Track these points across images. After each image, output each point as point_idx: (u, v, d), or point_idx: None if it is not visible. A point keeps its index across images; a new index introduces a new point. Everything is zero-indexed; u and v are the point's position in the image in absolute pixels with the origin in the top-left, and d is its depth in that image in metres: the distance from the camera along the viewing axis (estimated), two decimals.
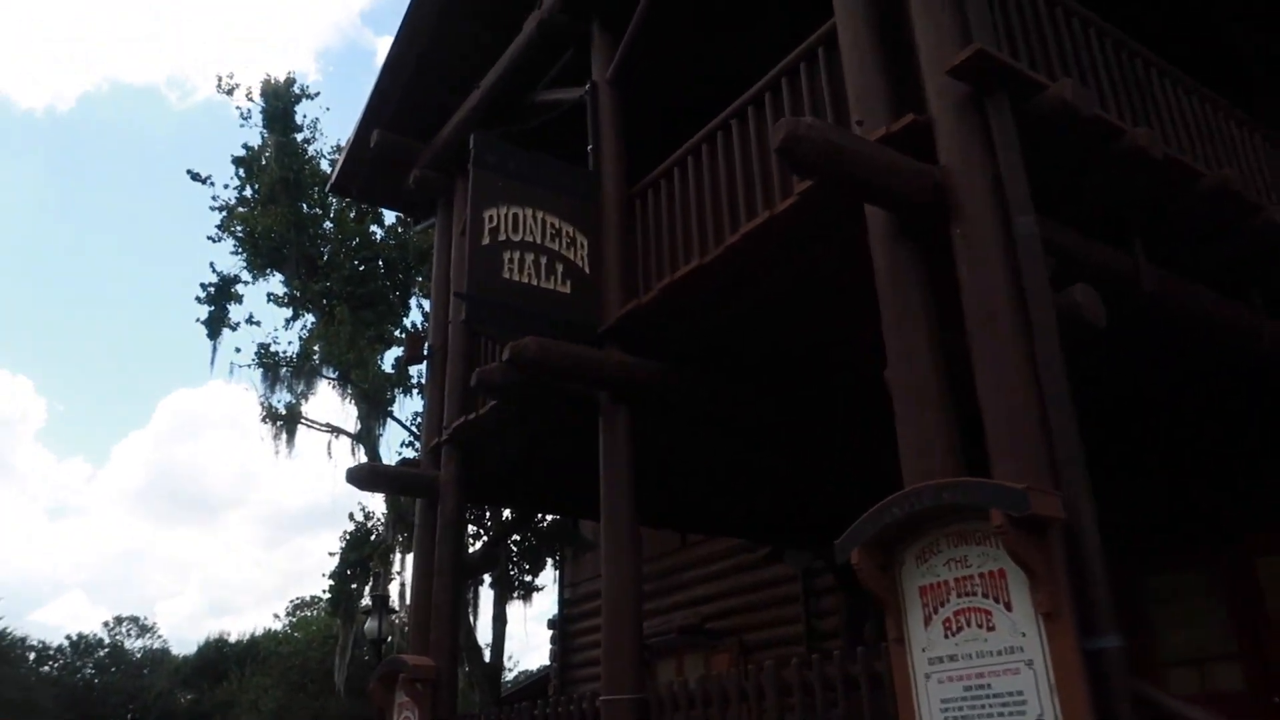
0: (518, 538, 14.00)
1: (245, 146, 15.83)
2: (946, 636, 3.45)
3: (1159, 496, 7.02)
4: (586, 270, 6.36)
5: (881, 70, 4.44)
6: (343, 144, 10.48)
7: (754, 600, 11.42)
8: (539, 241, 6.25)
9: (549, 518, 14.04)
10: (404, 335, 14.01)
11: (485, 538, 13.28)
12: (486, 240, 6.08)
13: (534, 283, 6.11)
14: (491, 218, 6.15)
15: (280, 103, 15.37)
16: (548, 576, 14.99)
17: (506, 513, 13.76)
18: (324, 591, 15.09)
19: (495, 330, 5.95)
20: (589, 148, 6.79)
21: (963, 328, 3.78)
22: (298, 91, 15.76)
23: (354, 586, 14.81)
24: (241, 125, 18.22)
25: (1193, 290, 4.97)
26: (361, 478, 7.83)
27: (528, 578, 14.23)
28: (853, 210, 4.48)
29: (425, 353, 8.80)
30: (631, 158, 6.73)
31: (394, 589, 14.33)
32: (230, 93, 15.93)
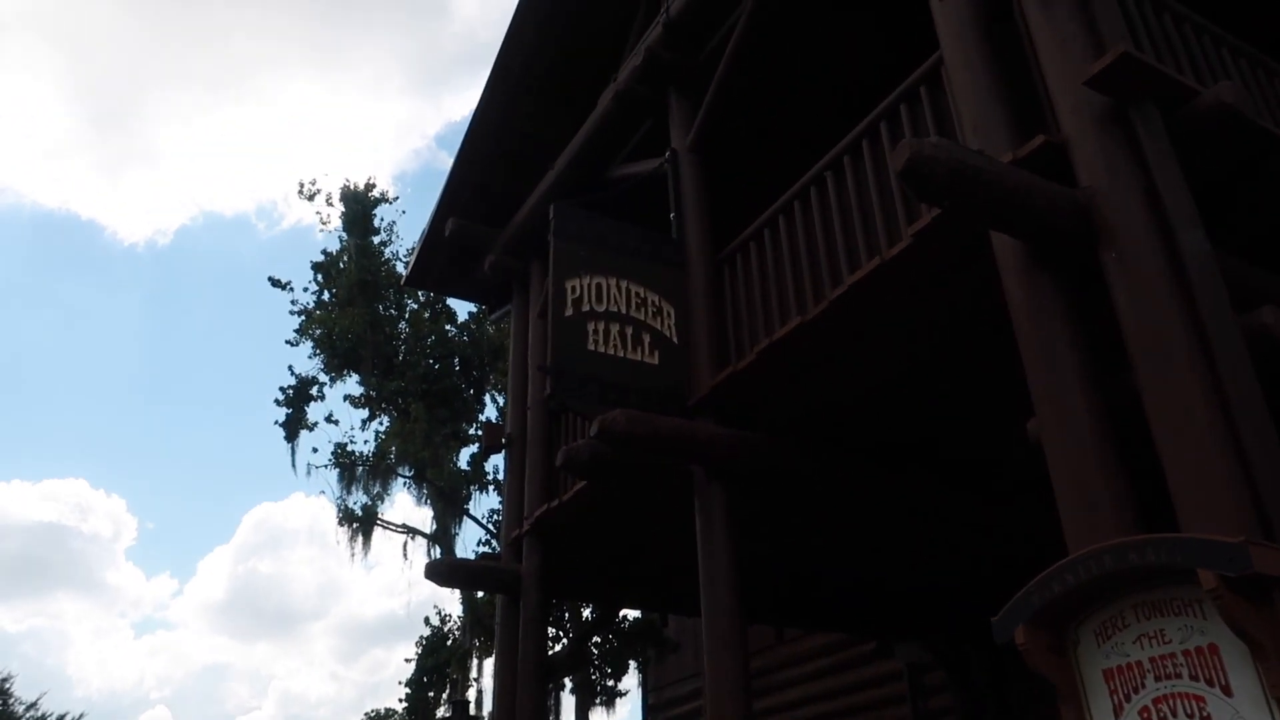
0: (599, 639, 13.35)
1: (324, 253, 16.11)
2: None
3: None
4: (675, 340, 6.03)
5: (998, 96, 4.08)
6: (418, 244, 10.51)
7: (856, 702, 10.58)
8: (624, 311, 5.97)
9: (630, 617, 13.41)
10: (479, 430, 13.78)
11: (566, 639, 12.67)
12: (570, 311, 5.81)
13: (620, 354, 5.80)
14: (574, 288, 5.88)
15: (359, 206, 15.66)
16: (629, 681, 14.26)
17: (587, 613, 13.17)
18: (400, 700, 14.50)
19: (580, 404, 5.62)
20: (671, 216, 6.54)
21: (1122, 367, 3.30)
22: (376, 195, 16.07)
23: (431, 695, 14.24)
24: (321, 230, 18.63)
25: None
26: (441, 573, 7.46)
27: (610, 682, 13.50)
28: (974, 250, 4.11)
29: (504, 441, 8.50)
30: (716, 225, 6.49)
31: (472, 695, 13.73)
32: (311, 198, 16.30)
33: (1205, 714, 2.72)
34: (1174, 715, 2.79)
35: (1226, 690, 2.69)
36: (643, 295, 6.04)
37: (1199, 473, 2.95)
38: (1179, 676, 2.80)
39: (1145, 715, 2.86)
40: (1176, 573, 2.78)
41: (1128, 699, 2.92)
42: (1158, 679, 2.85)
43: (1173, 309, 3.16)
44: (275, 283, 15.94)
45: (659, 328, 6.00)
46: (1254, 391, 2.97)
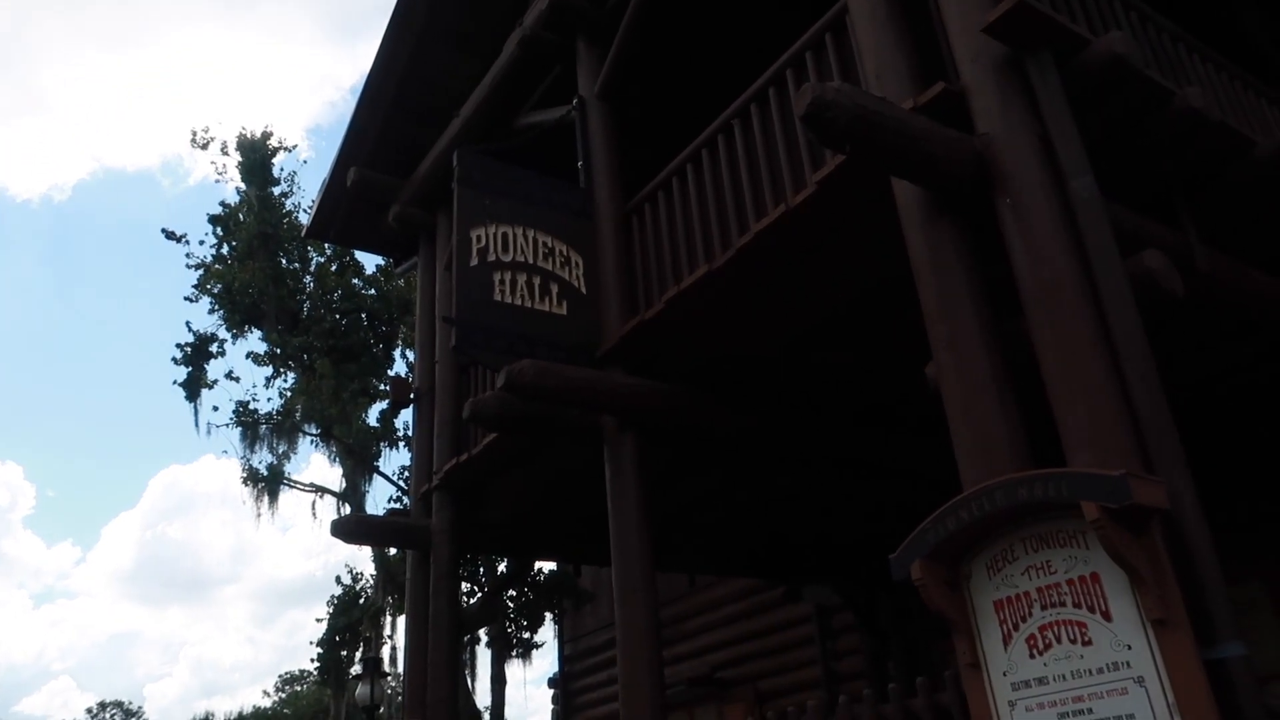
0: (514, 593, 13.38)
1: (222, 204, 15.47)
2: (1032, 657, 2.97)
3: (1211, 499, 6.59)
4: (583, 290, 5.97)
5: (901, 45, 4.10)
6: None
7: (767, 645, 10.84)
8: (531, 261, 5.87)
9: (545, 571, 13.46)
10: (388, 385, 13.53)
11: (481, 593, 12.66)
12: (475, 261, 5.68)
13: (528, 304, 5.72)
14: (480, 238, 5.75)
15: (256, 155, 15.06)
16: (546, 633, 14.35)
17: (501, 567, 13.17)
18: (312, 661, 14.34)
19: (488, 356, 5.53)
20: (579, 164, 6.45)
21: (1018, 312, 3.39)
22: (275, 144, 15.46)
23: (344, 654, 14.11)
24: (217, 180, 17.90)
25: (1245, 271, 4.60)
26: (348, 530, 7.32)
27: (526, 635, 13.58)
28: (879, 199, 4.14)
29: (412, 396, 8.35)
30: (625, 175, 6.42)
31: (386, 654, 13.65)
32: (205, 147, 15.61)
33: (1086, 638, 2.85)
34: (1058, 641, 2.92)
35: (1106, 615, 2.82)
36: (550, 245, 5.95)
37: (1085, 411, 3.06)
38: (1063, 605, 2.93)
39: (1032, 642, 2.98)
40: (1062, 506, 2.89)
41: (1016, 627, 3.04)
42: (1044, 608, 2.97)
43: (1062, 253, 3.25)
44: (170, 235, 15.29)
45: (567, 278, 5.92)
46: (1138, 332, 3.08)
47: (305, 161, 47.79)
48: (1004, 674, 3.04)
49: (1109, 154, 3.95)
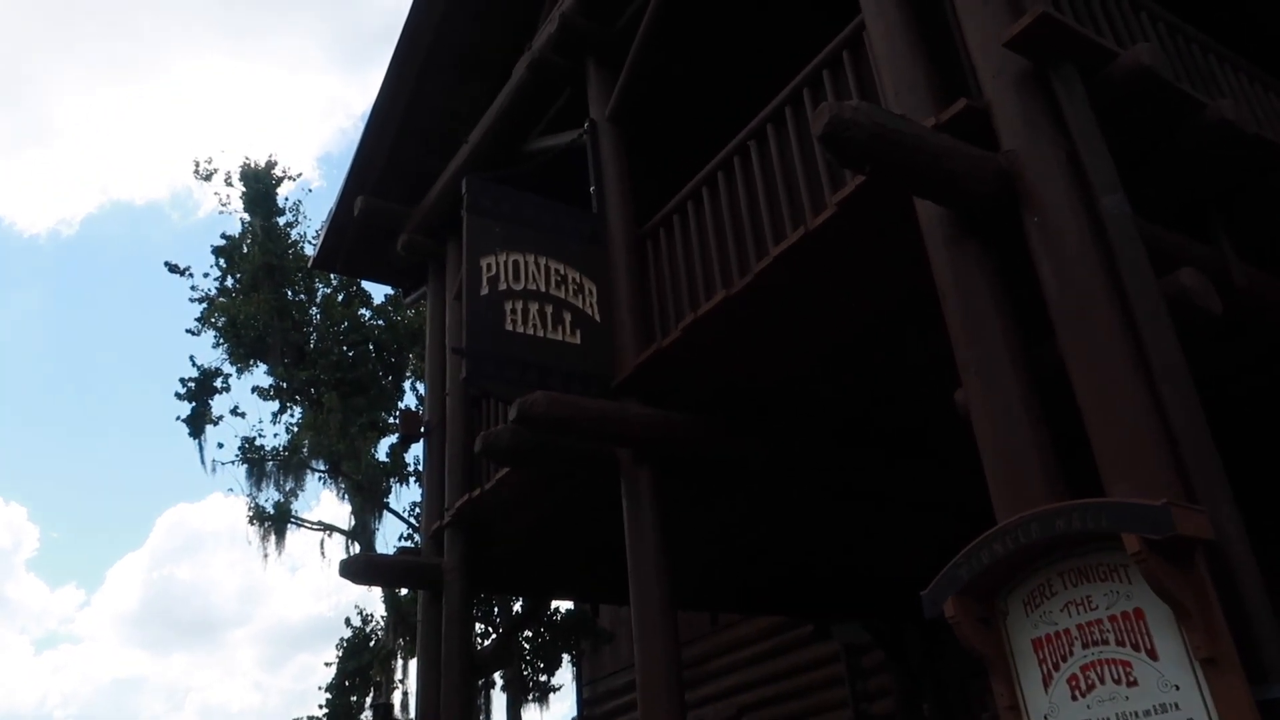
0: (529, 634, 13.29)
1: (224, 236, 15.62)
2: (1075, 699, 2.91)
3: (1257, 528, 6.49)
4: (597, 318, 5.99)
5: (920, 61, 4.12)
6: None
7: (794, 686, 10.74)
8: (543, 289, 5.90)
9: (562, 610, 13.38)
10: (397, 419, 13.55)
11: (495, 634, 12.59)
12: (485, 290, 5.72)
13: (540, 334, 5.74)
14: (490, 266, 5.79)
15: (260, 185, 15.21)
16: (564, 675, 14.24)
17: (517, 607, 13.10)
18: (320, 707, 14.24)
19: (499, 387, 5.55)
20: (591, 189, 6.49)
21: (1048, 334, 3.37)
22: (279, 174, 15.62)
23: (354, 699, 14.02)
24: (221, 211, 18.09)
25: None
26: (356, 570, 7.32)
27: (543, 677, 13.46)
28: (901, 220, 4.14)
29: (422, 430, 8.38)
30: (639, 199, 6.46)
31: (398, 699, 13.56)
32: (208, 178, 15.77)
33: (1131, 678, 2.80)
34: (1101, 681, 2.86)
35: (1152, 654, 2.77)
36: (563, 272, 5.98)
37: (1123, 437, 3.03)
38: (1106, 642, 2.88)
39: (1074, 683, 2.93)
40: (1102, 538, 2.85)
41: (1056, 667, 2.99)
42: (1085, 646, 2.92)
43: (1094, 273, 3.23)
44: (173, 268, 15.42)
45: (580, 306, 5.95)
46: (1175, 354, 3.05)
47: (311, 190, 48.21)
48: (1045, 717, 2.98)
49: (1139, 169, 3.95)
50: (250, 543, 14.48)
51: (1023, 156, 3.51)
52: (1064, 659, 2.96)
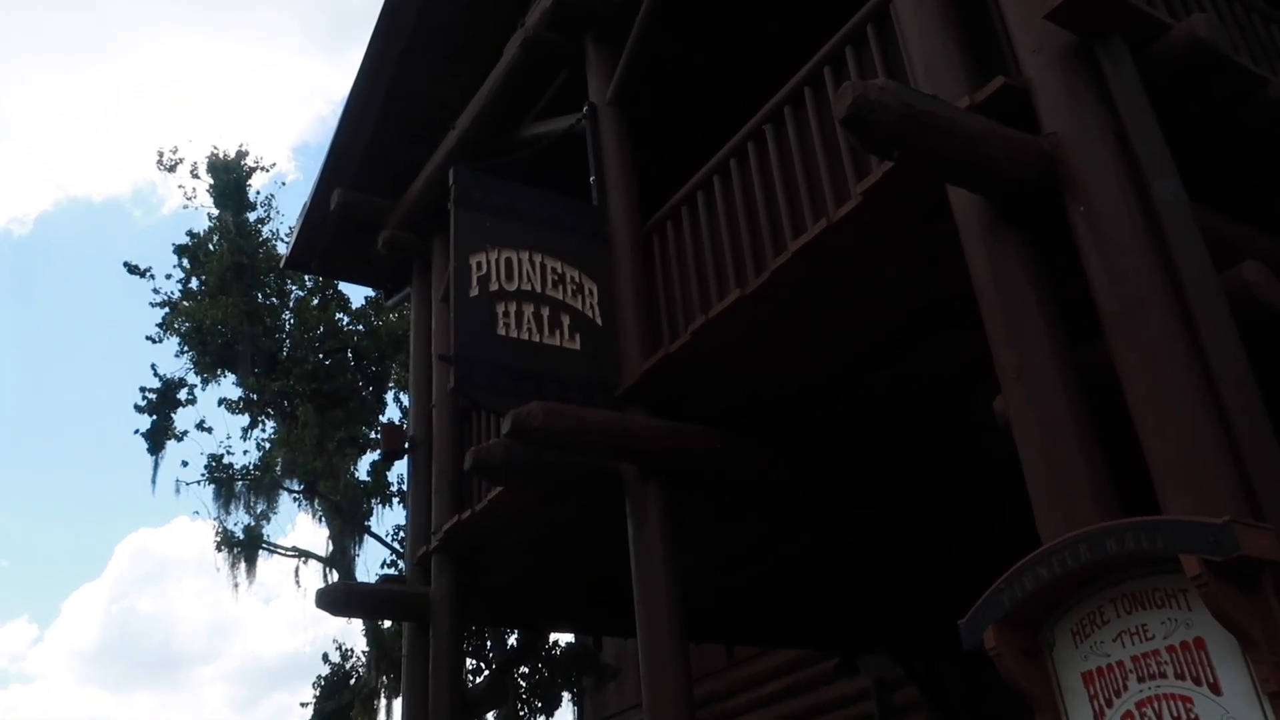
0: (526, 670, 13.29)
1: (190, 234, 15.71)
2: None
3: None
4: (598, 321, 6.01)
5: (953, 36, 4.12)
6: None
7: None
8: (539, 290, 5.91)
9: (563, 643, 13.38)
10: (379, 433, 13.59)
11: (488, 670, 12.58)
12: (475, 291, 5.73)
13: (535, 339, 5.76)
14: (480, 264, 5.80)
15: (230, 177, 15.29)
16: (564, 715, 14.24)
17: (512, 640, 13.10)
18: None
19: (491, 398, 5.55)
20: (592, 180, 6.50)
21: (1096, 334, 3.37)
22: (250, 165, 15.70)
23: None
24: (186, 206, 18.18)
25: None
26: (335, 600, 7.33)
27: (541, 718, 13.46)
28: (933, 210, 4.15)
29: (406, 445, 8.38)
30: (644, 190, 6.48)
31: None
32: (173, 169, 15.87)
33: (1193, 715, 2.78)
34: (1159, 718, 2.85)
35: (1215, 688, 2.76)
36: (560, 271, 5.99)
37: (1180, 447, 3.02)
38: (1164, 676, 2.86)
39: None
40: (1158, 560, 2.83)
41: (1109, 704, 2.97)
42: (1141, 679, 2.91)
43: (1147, 266, 3.23)
44: (133, 269, 15.52)
45: (580, 308, 5.95)
46: (1238, 355, 3.04)
47: (285, 184, 48.23)
48: None
49: (1196, 152, 3.94)
50: (218, 571, 14.54)
51: (1066, 139, 3.51)
52: (1118, 694, 2.95)
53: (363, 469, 14.61)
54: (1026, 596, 3.09)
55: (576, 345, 5.88)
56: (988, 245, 3.67)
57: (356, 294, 16.12)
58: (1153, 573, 2.90)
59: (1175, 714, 2.81)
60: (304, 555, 15.07)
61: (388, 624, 12.94)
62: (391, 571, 13.83)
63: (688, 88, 7.44)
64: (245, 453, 15.51)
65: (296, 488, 14.35)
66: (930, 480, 6.38)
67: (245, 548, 14.28)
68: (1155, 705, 2.86)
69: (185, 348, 14.58)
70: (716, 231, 5.59)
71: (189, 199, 15.96)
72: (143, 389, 14.61)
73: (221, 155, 15.75)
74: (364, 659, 14.05)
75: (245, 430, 14.94)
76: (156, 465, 14.46)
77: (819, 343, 5.21)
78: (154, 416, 14.41)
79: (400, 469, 14.09)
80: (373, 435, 14.47)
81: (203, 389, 14.87)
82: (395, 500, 14.51)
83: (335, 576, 14.32)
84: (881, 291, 4.80)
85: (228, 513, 14.36)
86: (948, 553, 7.46)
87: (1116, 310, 3.26)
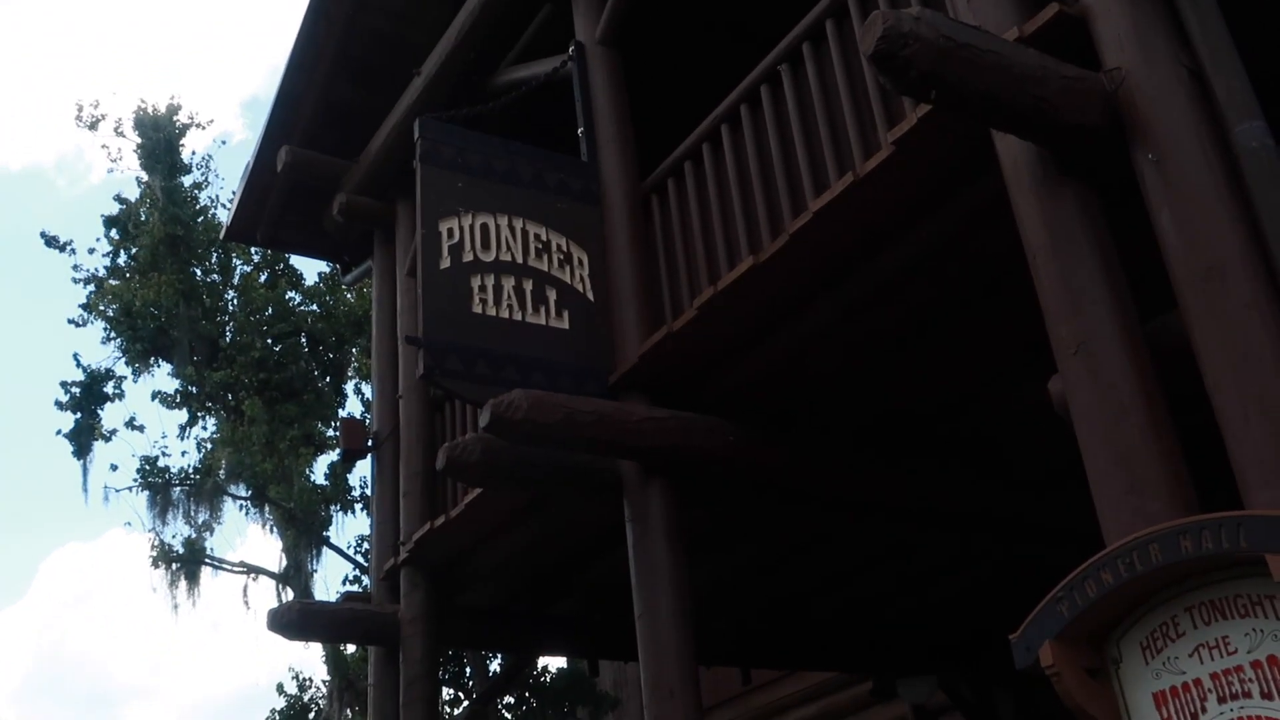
0: (511, 700, 13.36)
1: (119, 199, 15.69)
2: None
3: None
4: (590, 296, 6.03)
5: None
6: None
7: None
8: (520, 260, 5.92)
9: (553, 669, 13.45)
10: (337, 430, 13.63)
11: (468, 702, 12.64)
12: (446, 263, 5.73)
13: (517, 316, 5.77)
14: (451, 231, 5.80)
15: (160, 135, 15.26)
16: None
17: (495, 666, 13.16)
18: None
19: (466, 386, 5.55)
20: (580, 131, 6.49)
21: (1168, 303, 3.36)
22: (184, 120, 15.67)
23: None
24: (111, 170, 18.19)
25: None
26: (289, 622, 7.35)
27: None
28: (976, 160, 4.14)
29: (369, 443, 8.40)
30: (641, 144, 6.48)
31: None
32: (94, 126, 15.84)
33: None
34: None
35: None
36: (545, 238, 6.00)
37: (1266, 432, 3.01)
38: (1248, 695, 2.87)
39: None
40: (1242, 562, 2.84)
41: None
42: (1221, 700, 2.92)
43: (1227, 223, 3.21)
44: (51, 242, 15.50)
45: (568, 280, 5.97)
46: None
47: (229, 145, 48.11)
48: None
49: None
50: (155, 591, 14.58)
51: (1132, 76, 3.50)
52: (1195, 717, 2.96)
53: (320, 471, 14.64)
54: (1089, 607, 3.10)
55: (564, 324, 5.88)
56: (1041, 201, 3.67)
57: (310, 269, 16.13)
58: (1235, 577, 2.90)
59: None
60: (253, 571, 15.11)
61: (351, 649, 12.99)
62: (355, 589, 13.87)
63: (690, 23, 7.42)
64: (184, 454, 15.52)
65: (243, 494, 14.37)
66: (975, 477, 6.41)
67: (185, 563, 14.32)
68: None
69: (113, 333, 14.58)
70: (725, 190, 5.59)
71: (113, 161, 15.96)
72: (64, 383, 14.62)
73: (150, 110, 15.72)
74: (324, 689, 14.11)
75: (183, 428, 14.96)
76: (85, 470, 14.50)
77: (843, 319, 5.20)
78: (78, 414, 14.43)
79: (363, 470, 14.15)
80: (331, 432, 14.49)
81: (134, 380, 14.89)
82: (358, 507, 14.54)
83: (290, 595, 14.36)
84: (916, 258, 4.80)
85: (164, 523, 14.41)
86: (997, 559, 7.48)
87: (1192, 275, 3.25)
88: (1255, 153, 3.24)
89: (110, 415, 14.87)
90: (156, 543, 14.50)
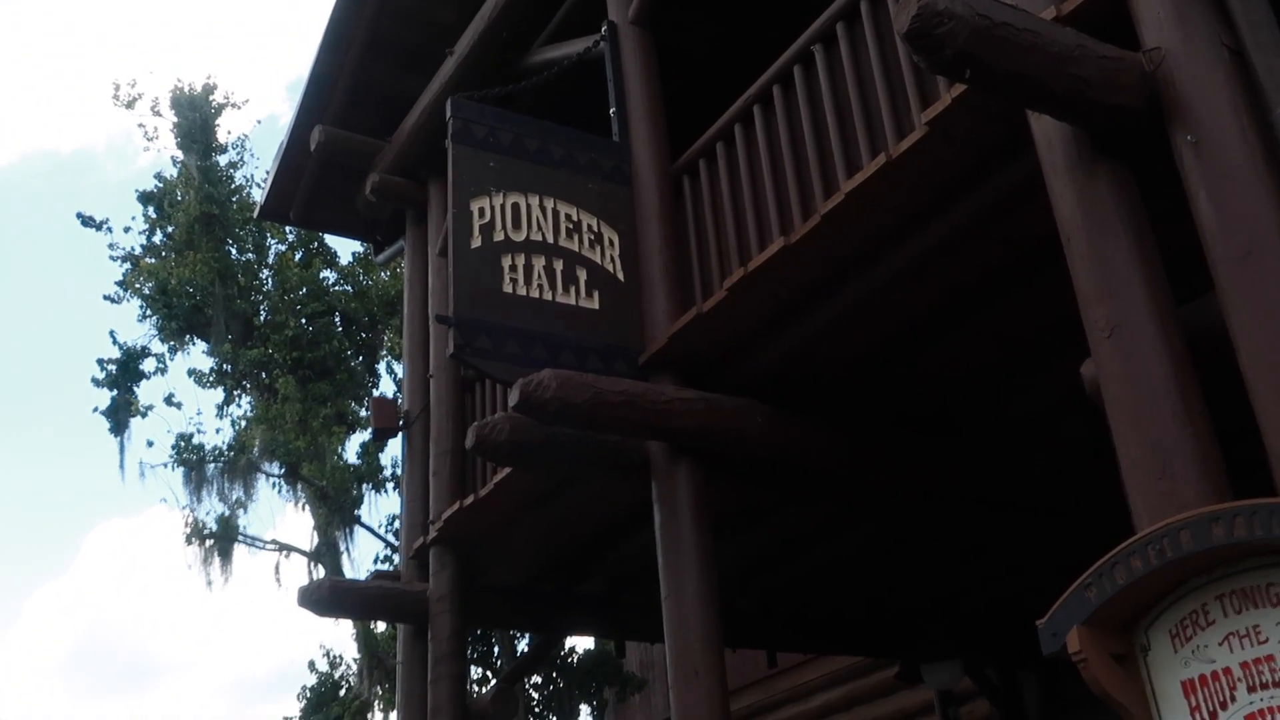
0: (539, 679, 13.42)
1: (157, 177, 15.80)
2: None
3: None
4: (620, 276, 6.02)
5: None
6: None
7: None
8: (551, 240, 5.92)
9: (580, 649, 13.48)
10: (369, 409, 13.70)
11: (495, 681, 12.70)
12: (477, 242, 5.73)
13: (547, 296, 5.78)
14: (483, 211, 5.81)
15: (196, 115, 15.34)
16: None
17: (522, 645, 13.20)
18: None
19: (496, 365, 5.57)
20: (612, 112, 6.48)
21: (1204, 287, 3.32)
22: (220, 100, 15.74)
23: None
24: (146, 147, 18.35)
25: None
26: (319, 599, 7.39)
27: None
28: (1012, 142, 4.12)
29: (401, 422, 8.43)
30: (673, 125, 6.48)
31: None
32: (131, 105, 15.93)
33: None
34: None
35: None
36: (576, 218, 5.99)
37: None
38: (1279, 685, 2.83)
39: None
40: (1275, 551, 2.80)
41: (1214, 717, 2.94)
42: (1251, 689, 2.88)
43: (1267, 206, 3.17)
44: (87, 221, 15.63)
45: (598, 260, 5.96)
46: None
47: (259, 122, 48.25)
48: None
49: None
50: (190, 567, 14.71)
51: (1172, 56, 3.45)
52: (1224, 706, 2.92)
53: (352, 450, 14.72)
54: (1117, 593, 3.06)
55: (594, 304, 5.89)
56: (1076, 183, 3.63)
57: (345, 249, 16.18)
58: (1268, 565, 2.86)
59: None
60: (286, 549, 15.22)
61: (381, 627, 13.07)
62: (385, 568, 13.96)
63: (723, 4, 7.37)
64: (218, 431, 15.62)
65: (277, 471, 14.47)
66: (1006, 461, 6.36)
67: (219, 540, 14.44)
68: (1267, 718, 2.83)
69: (148, 311, 14.69)
70: (757, 171, 5.59)
71: (149, 139, 16.05)
72: (101, 360, 14.73)
73: (186, 90, 15.80)
74: (354, 667, 14.21)
75: (220, 407, 15.06)
76: (122, 447, 14.63)
77: (876, 301, 5.18)
78: (114, 391, 14.55)
79: (394, 449, 14.20)
80: (363, 411, 14.55)
81: (170, 359, 15.01)
82: (389, 486, 14.60)
83: (321, 573, 14.46)
84: (949, 240, 4.76)
85: (199, 500, 14.52)
86: (1025, 544, 7.44)
87: (1230, 257, 3.20)
88: None
89: (146, 392, 14.94)
90: (191, 520, 14.64)
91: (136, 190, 15.60)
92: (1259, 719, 2.85)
